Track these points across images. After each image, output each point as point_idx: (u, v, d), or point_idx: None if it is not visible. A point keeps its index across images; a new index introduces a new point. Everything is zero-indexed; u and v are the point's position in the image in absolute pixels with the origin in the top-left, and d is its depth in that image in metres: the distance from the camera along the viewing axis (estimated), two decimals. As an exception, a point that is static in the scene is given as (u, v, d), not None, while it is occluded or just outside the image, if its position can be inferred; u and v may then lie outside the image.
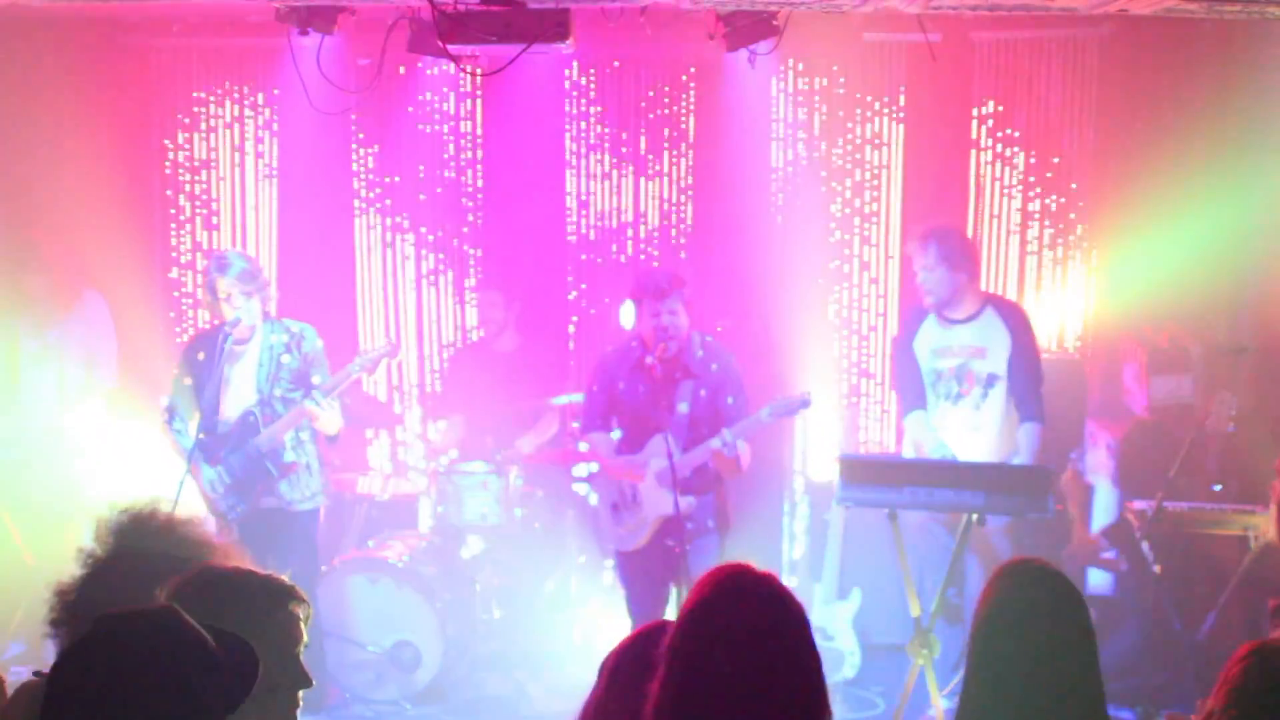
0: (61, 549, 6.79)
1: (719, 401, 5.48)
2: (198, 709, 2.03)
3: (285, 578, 2.57)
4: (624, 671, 2.52)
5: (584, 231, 7.64)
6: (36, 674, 2.53)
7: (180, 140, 7.60)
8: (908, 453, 6.05)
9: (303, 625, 2.52)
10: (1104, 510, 6.58)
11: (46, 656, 2.36)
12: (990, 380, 5.81)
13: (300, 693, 2.51)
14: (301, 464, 5.76)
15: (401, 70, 7.30)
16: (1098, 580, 6.58)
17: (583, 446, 6.72)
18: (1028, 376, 5.80)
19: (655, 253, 7.56)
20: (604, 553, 6.61)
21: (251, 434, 5.65)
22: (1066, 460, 6.58)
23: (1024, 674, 2.78)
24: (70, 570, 2.76)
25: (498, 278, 7.41)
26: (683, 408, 5.48)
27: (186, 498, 5.47)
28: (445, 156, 7.63)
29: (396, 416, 7.65)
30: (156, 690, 2.00)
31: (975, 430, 5.83)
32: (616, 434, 5.73)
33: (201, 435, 5.61)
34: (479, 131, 7.64)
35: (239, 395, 5.70)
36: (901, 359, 6.05)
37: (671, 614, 5.12)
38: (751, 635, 2.22)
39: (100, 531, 2.82)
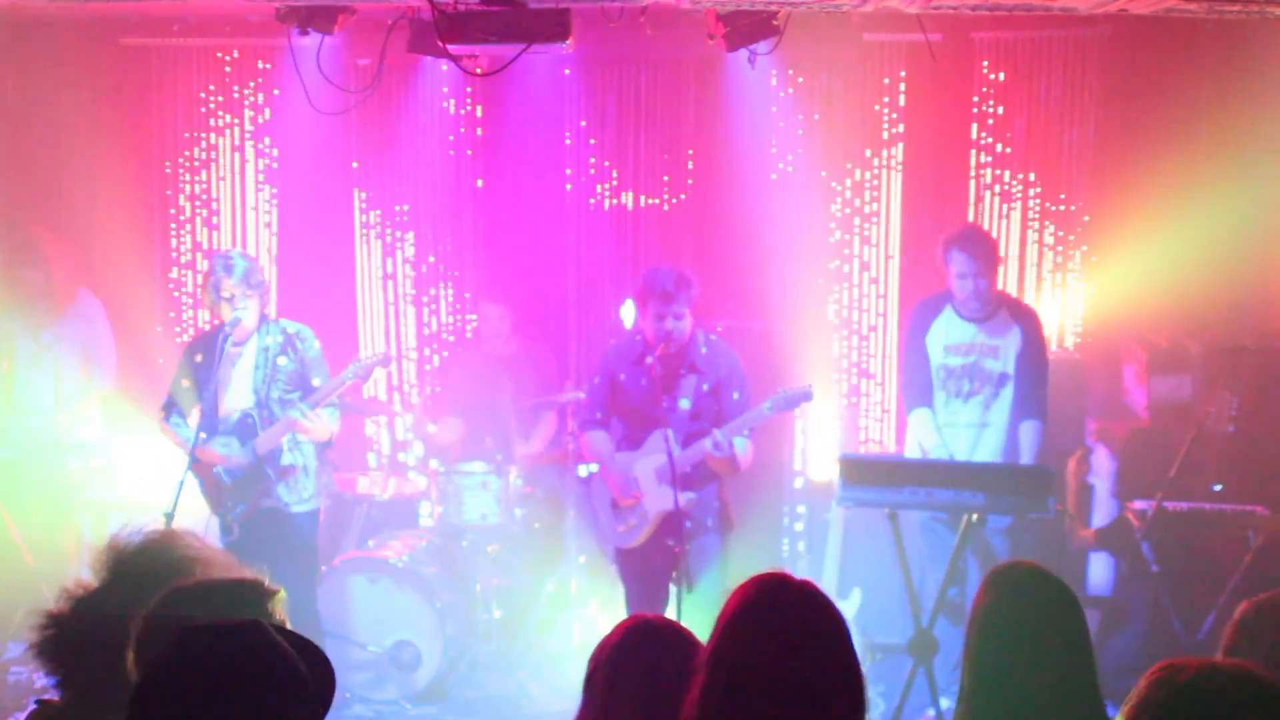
0: (61, 549, 6.82)
1: (723, 397, 5.47)
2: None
3: (258, 576, 2.41)
4: (619, 681, 2.50)
5: (584, 231, 7.64)
6: (39, 703, 2.48)
7: (180, 140, 7.60)
8: (910, 449, 6.05)
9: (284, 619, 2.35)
10: (1102, 511, 6.58)
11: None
12: (1002, 380, 5.83)
13: None
14: (299, 466, 5.75)
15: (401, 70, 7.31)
16: (1098, 580, 6.58)
17: (583, 470, 6.73)
18: (1034, 376, 5.83)
19: (655, 253, 7.56)
20: (604, 550, 6.61)
21: (249, 436, 5.65)
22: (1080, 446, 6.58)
23: (1021, 677, 2.78)
24: (67, 587, 2.71)
25: (499, 289, 7.27)
26: (684, 403, 5.47)
27: (187, 498, 5.49)
28: (445, 157, 7.62)
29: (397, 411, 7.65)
30: (243, 713, 1.89)
31: (985, 429, 5.84)
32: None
33: (202, 436, 5.61)
34: (479, 131, 7.64)
35: (237, 397, 5.70)
36: (911, 352, 6.05)
37: (671, 613, 5.11)
38: (795, 642, 2.22)
39: (90, 565, 2.77)
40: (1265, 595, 3.04)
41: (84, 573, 2.75)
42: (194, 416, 5.66)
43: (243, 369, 5.70)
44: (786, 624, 2.24)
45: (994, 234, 7.01)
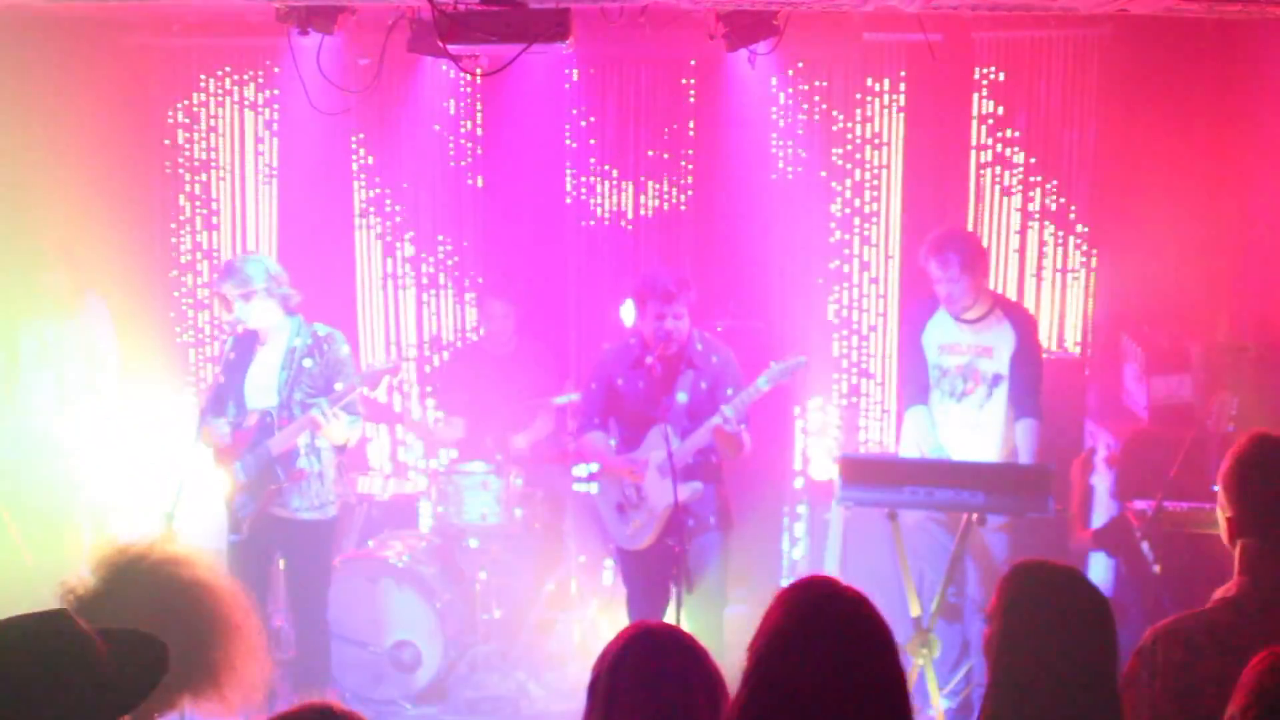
0: (61, 549, 6.83)
1: (718, 393, 5.48)
2: (75, 713, 2.02)
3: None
4: (621, 690, 2.49)
5: (583, 231, 7.64)
6: None
7: (180, 140, 7.60)
8: (906, 448, 6.05)
9: None
10: (1103, 511, 6.58)
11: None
12: (995, 380, 5.82)
13: None
14: (313, 472, 5.68)
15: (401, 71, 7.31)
16: (1097, 580, 6.57)
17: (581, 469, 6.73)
18: (1028, 375, 5.81)
19: (655, 253, 7.57)
20: (607, 550, 6.62)
21: (266, 436, 5.63)
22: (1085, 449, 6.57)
23: (1051, 676, 2.77)
24: (68, 583, 2.72)
25: (504, 285, 7.23)
26: (681, 397, 5.48)
27: (191, 499, 5.48)
28: (445, 156, 7.63)
29: (398, 415, 7.65)
30: (33, 694, 1.99)
31: (977, 429, 5.84)
32: (613, 441, 5.71)
33: (225, 431, 5.63)
34: (479, 131, 7.64)
35: (260, 396, 5.69)
36: (908, 351, 6.06)
37: (671, 614, 5.11)
38: (844, 661, 2.15)
39: (92, 565, 2.79)
40: (1164, 623, 3.04)
41: (85, 572, 2.77)
42: (224, 419, 5.67)
43: (268, 369, 5.69)
44: (837, 641, 2.16)
45: (977, 233, 7.00)
